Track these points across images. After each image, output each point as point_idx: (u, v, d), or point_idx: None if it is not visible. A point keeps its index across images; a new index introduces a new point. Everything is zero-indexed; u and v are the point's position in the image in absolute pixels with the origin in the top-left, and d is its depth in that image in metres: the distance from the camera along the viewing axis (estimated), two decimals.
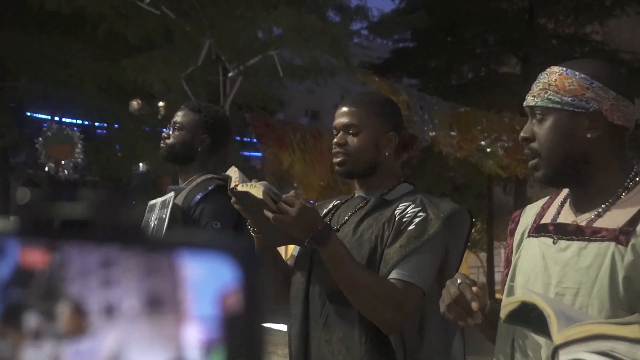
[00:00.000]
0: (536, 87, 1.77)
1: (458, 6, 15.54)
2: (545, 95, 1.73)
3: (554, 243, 1.74)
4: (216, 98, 11.14)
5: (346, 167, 2.36)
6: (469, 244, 2.47)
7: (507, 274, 1.87)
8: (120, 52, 12.27)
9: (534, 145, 1.75)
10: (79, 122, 15.19)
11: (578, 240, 1.70)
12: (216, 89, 11.48)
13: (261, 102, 13.82)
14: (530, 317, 1.34)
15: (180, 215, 2.92)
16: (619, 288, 1.58)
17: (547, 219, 1.83)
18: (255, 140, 14.30)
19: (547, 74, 1.77)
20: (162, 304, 0.56)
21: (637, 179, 1.74)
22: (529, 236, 1.83)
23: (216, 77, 11.59)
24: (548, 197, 1.92)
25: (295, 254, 2.48)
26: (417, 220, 2.23)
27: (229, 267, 0.54)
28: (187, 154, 3.13)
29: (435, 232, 2.21)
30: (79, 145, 5.26)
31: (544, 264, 1.73)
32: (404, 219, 2.25)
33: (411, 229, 2.22)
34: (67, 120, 14.88)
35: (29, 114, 15.67)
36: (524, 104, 1.80)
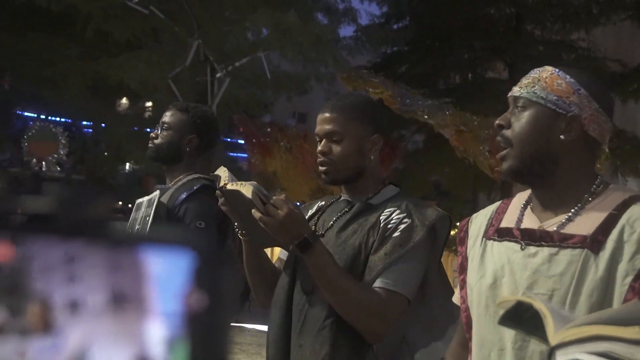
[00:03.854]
0: (525, 80, 1.79)
1: (446, 12, 15.58)
2: (532, 89, 1.75)
3: (522, 249, 1.73)
4: (204, 99, 11.14)
5: (331, 176, 2.34)
6: (453, 247, 2.48)
7: (462, 280, 1.86)
8: (108, 52, 12.24)
9: (508, 133, 1.76)
10: (65, 120, 15.14)
11: (548, 246, 1.69)
12: (204, 89, 11.48)
13: (248, 104, 13.81)
14: (524, 318, 1.33)
15: (165, 214, 2.91)
16: (593, 296, 1.59)
17: (508, 223, 1.81)
18: (241, 141, 14.30)
19: (539, 70, 1.79)
20: (126, 300, 0.56)
21: (601, 187, 1.75)
22: (489, 239, 1.82)
23: (204, 78, 11.58)
24: (499, 202, 1.91)
25: (283, 257, 2.46)
26: (402, 227, 2.22)
27: (193, 264, 0.54)
28: (174, 154, 3.12)
29: (420, 239, 2.20)
30: (63, 142, 5.22)
31: (511, 269, 1.72)
32: (389, 225, 2.23)
33: (396, 236, 2.21)
34: (54, 118, 14.83)
35: (15, 112, 15.60)
36: (509, 94, 1.80)
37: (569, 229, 1.69)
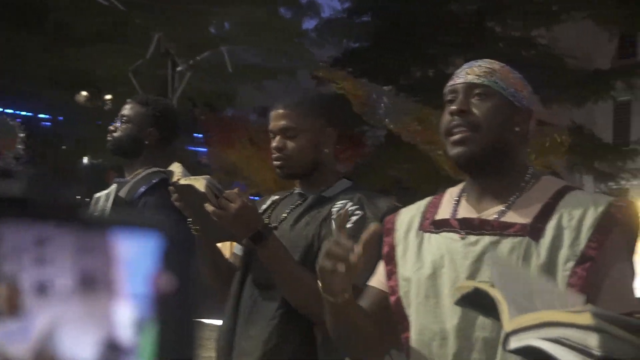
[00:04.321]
0: (478, 69, 1.79)
1: (409, 7, 15.65)
2: (492, 78, 1.77)
3: (462, 238, 1.75)
4: (164, 92, 11.06)
5: (287, 171, 2.36)
6: None
7: (390, 270, 1.86)
8: (69, 44, 12.09)
9: (473, 118, 1.75)
10: (24, 113, 14.91)
11: (489, 234, 1.71)
12: (165, 83, 11.40)
13: (210, 97, 13.75)
14: (480, 302, 1.36)
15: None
16: None
17: (443, 215, 1.83)
18: (202, 135, 14.22)
19: (486, 62, 1.81)
20: (95, 283, 0.56)
21: (533, 178, 1.80)
22: (426, 231, 1.83)
23: (165, 71, 11.50)
24: (431, 197, 1.93)
25: (238, 252, 2.47)
26: (354, 218, 2.23)
27: (162, 246, 0.54)
28: (134, 147, 3.09)
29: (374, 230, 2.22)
30: (21, 136, 5.14)
31: (451, 258, 1.74)
32: None
33: (349, 228, 2.20)
34: (11, 111, 14.60)
35: None
36: (460, 80, 1.79)
37: (509, 218, 1.72)
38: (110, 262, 0.56)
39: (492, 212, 1.76)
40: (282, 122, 2.35)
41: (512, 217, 1.73)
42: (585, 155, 14.44)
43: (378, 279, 1.93)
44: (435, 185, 16.93)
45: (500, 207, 1.75)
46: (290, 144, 2.34)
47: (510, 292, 1.30)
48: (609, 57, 18.88)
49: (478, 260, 1.70)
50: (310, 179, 2.38)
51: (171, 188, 2.28)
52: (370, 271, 1.92)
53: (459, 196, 1.86)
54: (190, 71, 11.34)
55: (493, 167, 1.77)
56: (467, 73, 1.80)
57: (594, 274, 1.59)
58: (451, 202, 1.86)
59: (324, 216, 2.28)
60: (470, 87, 1.78)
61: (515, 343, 1.19)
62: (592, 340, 1.04)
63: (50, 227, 0.57)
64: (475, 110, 1.76)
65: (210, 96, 13.72)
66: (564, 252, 1.64)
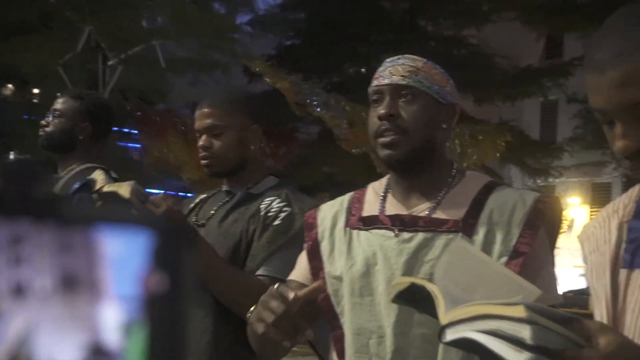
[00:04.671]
0: (400, 68, 1.77)
1: (341, 4, 15.70)
2: (417, 78, 1.76)
3: (396, 235, 1.74)
4: (95, 87, 10.84)
5: (214, 169, 2.37)
6: None
7: (315, 267, 1.84)
8: None
9: (401, 122, 1.74)
10: None
11: (423, 231, 1.72)
12: (95, 77, 11.18)
13: (142, 92, 13.54)
14: (417, 297, 1.37)
15: None
16: None
17: (370, 212, 1.82)
18: (134, 131, 14.00)
19: (409, 59, 1.79)
20: (77, 283, 0.52)
21: (458, 174, 1.81)
22: (354, 228, 1.82)
23: (96, 65, 11.28)
24: (352, 193, 1.92)
25: None
26: (282, 215, 2.25)
27: (152, 243, 0.51)
28: (67, 142, 3.01)
29: (301, 227, 2.21)
30: None
31: (384, 255, 1.73)
32: (270, 214, 2.25)
33: (277, 224, 2.24)
34: None
35: None
36: (386, 81, 1.77)
37: (440, 214, 1.73)
38: (94, 261, 0.52)
39: (422, 209, 1.76)
40: (208, 121, 2.35)
41: (443, 214, 1.73)
42: (515, 152, 14.74)
43: (301, 273, 1.90)
44: (369, 181, 17.05)
45: (430, 204, 1.76)
46: (216, 143, 2.34)
47: (453, 282, 1.32)
48: (536, 57, 19.31)
49: (413, 257, 1.70)
50: (238, 176, 2.38)
51: (95, 196, 2.25)
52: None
53: (385, 192, 1.85)
54: (122, 65, 11.14)
55: (422, 166, 1.78)
56: (392, 73, 1.78)
57: (526, 268, 1.61)
58: (377, 198, 1.85)
59: (252, 213, 2.28)
60: (396, 88, 1.76)
61: (451, 335, 1.21)
62: (525, 332, 1.07)
63: (27, 224, 0.53)
64: (402, 113, 1.75)
65: (143, 91, 13.51)
66: (497, 248, 1.66)
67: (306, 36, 16.89)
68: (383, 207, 1.81)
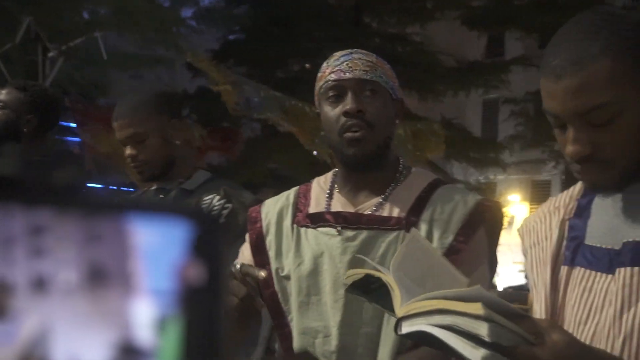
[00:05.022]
0: (361, 63, 1.75)
1: (286, 0, 15.66)
2: (378, 73, 1.75)
3: (339, 233, 1.73)
4: (35, 79, 10.58)
5: (147, 175, 2.36)
6: None
7: (261, 262, 1.82)
8: None
9: (368, 117, 1.73)
10: None
11: (367, 229, 1.71)
12: (35, 69, 10.92)
13: (84, 86, 13.28)
14: (370, 288, 1.38)
15: None
16: None
17: (317, 208, 1.81)
18: (74, 124, 13.71)
19: (363, 54, 1.78)
20: (106, 276, 0.48)
21: (405, 170, 1.82)
22: (302, 226, 1.80)
23: (35, 57, 11.02)
24: (296, 188, 1.91)
25: None
26: (225, 212, 2.23)
27: (189, 233, 0.48)
28: (11, 135, 2.91)
29: (245, 221, 2.22)
30: None
31: (330, 254, 1.72)
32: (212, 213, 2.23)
33: (222, 223, 2.20)
34: None
35: None
36: (348, 75, 1.74)
37: (385, 212, 1.73)
38: (125, 253, 0.48)
39: (368, 206, 1.76)
40: (128, 131, 2.33)
41: (388, 211, 1.73)
42: (457, 148, 14.91)
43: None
44: (313, 176, 17.07)
45: (376, 201, 1.76)
46: (142, 150, 2.33)
47: (409, 274, 1.32)
48: (478, 55, 19.58)
49: (357, 255, 1.69)
50: (168, 174, 2.37)
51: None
52: None
53: (331, 189, 1.84)
54: (62, 57, 10.90)
55: (379, 162, 1.78)
56: (352, 67, 1.75)
57: (460, 266, 1.63)
58: (323, 194, 1.84)
59: None
60: (359, 83, 1.74)
61: (407, 328, 1.22)
62: (482, 329, 1.09)
63: (49, 213, 0.49)
64: (368, 109, 1.73)
65: (84, 85, 13.25)
66: (434, 245, 1.67)
67: (250, 31, 16.79)
68: (329, 203, 1.80)
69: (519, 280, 17.62)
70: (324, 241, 1.74)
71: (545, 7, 13.98)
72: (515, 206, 21.21)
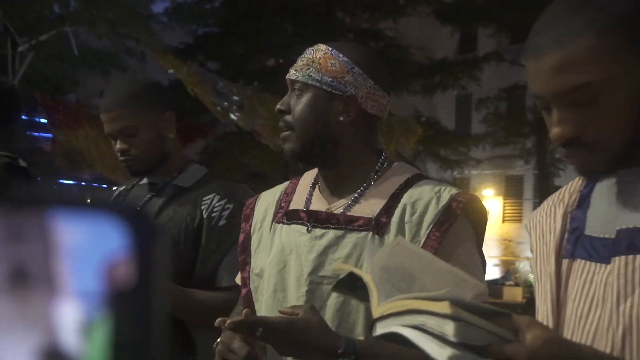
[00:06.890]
0: (300, 61, 1.75)
1: None
2: (307, 72, 1.72)
3: (309, 231, 1.72)
4: (4, 73, 10.45)
5: (136, 169, 2.27)
6: None
7: (243, 261, 1.82)
8: None
9: (289, 118, 1.73)
10: None
11: (335, 228, 1.70)
12: (4, 63, 10.78)
13: (54, 81, 13.14)
14: (355, 286, 1.36)
15: None
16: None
17: (296, 205, 1.80)
18: (45, 120, 13.58)
19: (313, 50, 1.75)
20: (29, 277, 0.45)
21: (385, 165, 1.77)
22: (278, 222, 1.79)
23: (4, 51, 10.88)
24: (288, 182, 1.90)
25: None
26: (226, 213, 2.19)
27: (119, 231, 0.45)
28: None
29: None
30: None
31: (297, 252, 1.71)
32: (213, 214, 2.19)
33: (223, 224, 2.18)
34: None
35: None
36: (287, 76, 1.76)
37: (355, 211, 1.70)
38: (49, 252, 0.45)
39: (340, 205, 1.74)
40: (118, 124, 2.22)
41: (358, 211, 1.70)
42: (429, 144, 14.97)
43: (238, 275, 1.89)
44: (286, 173, 17.08)
45: (348, 200, 1.73)
46: (134, 143, 2.23)
47: (392, 277, 1.31)
48: (451, 51, 19.67)
49: (322, 255, 1.68)
50: (160, 167, 2.29)
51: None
52: None
53: (313, 186, 1.83)
54: (32, 52, 10.77)
55: (324, 160, 1.75)
56: (293, 67, 1.76)
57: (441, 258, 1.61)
58: (306, 189, 1.83)
59: (188, 212, 2.19)
60: (291, 83, 1.75)
61: (381, 329, 1.21)
62: (448, 328, 1.08)
63: None
64: (293, 108, 1.73)
65: (54, 80, 13.10)
66: None
67: (222, 25, 16.73)
68: (309, 201, 1.79)
69: (494, 274, 17.75)
70: (293, 238, 1.73)
71: (517, 2, 14.07)
72: (489, 201, 21.33)
